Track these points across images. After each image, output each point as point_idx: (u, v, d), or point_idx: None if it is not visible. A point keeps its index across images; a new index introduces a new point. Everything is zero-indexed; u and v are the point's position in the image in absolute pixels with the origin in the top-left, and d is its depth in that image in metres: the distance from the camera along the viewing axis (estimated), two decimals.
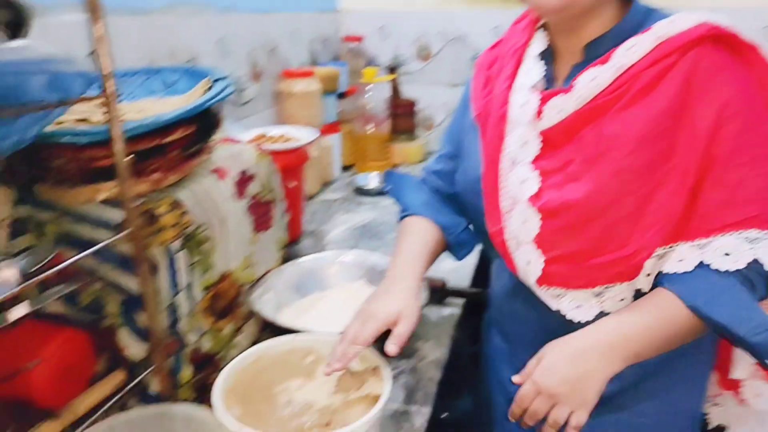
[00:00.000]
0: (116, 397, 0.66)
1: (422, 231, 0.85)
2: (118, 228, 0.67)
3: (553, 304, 0.69)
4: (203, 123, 0.79)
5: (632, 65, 0.62)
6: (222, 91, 0.78)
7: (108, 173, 0.66)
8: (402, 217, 0.89)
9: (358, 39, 1.87)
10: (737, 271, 0.60)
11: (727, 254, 0.60)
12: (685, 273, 0.62)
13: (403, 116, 1.82)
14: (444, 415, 0.94)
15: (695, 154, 0.61)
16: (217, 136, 0.97)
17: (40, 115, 0.60)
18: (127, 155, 0.69)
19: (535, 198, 0.67)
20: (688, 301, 0.61)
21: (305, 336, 0.76)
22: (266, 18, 1.48)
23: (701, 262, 0.61)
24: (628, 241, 0.63)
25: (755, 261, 0.59)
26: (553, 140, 0.68)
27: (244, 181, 0.89)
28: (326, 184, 1.59)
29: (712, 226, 0.61)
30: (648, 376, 0.72)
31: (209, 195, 0.79)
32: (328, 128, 1.60)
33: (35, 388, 0.64)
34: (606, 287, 0.66)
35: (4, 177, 0.75)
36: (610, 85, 0.63)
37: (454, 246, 0.87)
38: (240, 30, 1.35)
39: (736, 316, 0.60)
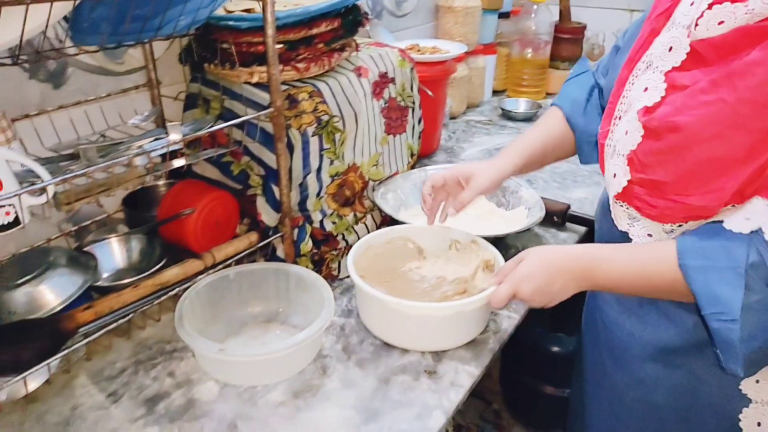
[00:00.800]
0: (247, 251, 0.77)
1: (549, 128, 0.83)
2: (266, 108, 0.76)
3: (624, 225, 0.65)
4: (348, 19, 0.84)
5: None
6: None
7: (262, 58, 0.74)
8: (552, 104, 0.87)
9: None
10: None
11: None
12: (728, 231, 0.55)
13: (568, 42, 1.69)
14: None
15: None
16: (366, 39, 1.02)
17: None
18: (279, 43, 0.77)
19: (645, 111, 0.60)
20: (682, 258, 0.56)
21: (399, 227, 0.83)
22: None
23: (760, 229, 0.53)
24: (715, 185, 0.55)
25: None
26: (701, 56, 0.58)
27: (383, 83, 0.93)
28: (474, 106, 1.58)
29: None
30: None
31: (347, 90, 0.85)
32: (484, 49, 1.56)
33: (188, 233, 0.78)
34: (679, 225, 0.60)
35: (182, 56, 0.88)
36: None
37: (581, 149, 0.84)
38: None
39: (712, 293, 0.54)
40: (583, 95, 0.84)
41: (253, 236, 0.81)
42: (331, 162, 0.84)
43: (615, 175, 0.64)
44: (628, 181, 0.62)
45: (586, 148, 0.81)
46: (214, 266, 0.75)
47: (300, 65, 0.80)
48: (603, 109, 0.82)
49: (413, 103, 1.02)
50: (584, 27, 1.69)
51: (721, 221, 0.56)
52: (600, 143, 0.69)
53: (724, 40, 0.55)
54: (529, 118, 1.48)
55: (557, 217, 0.95)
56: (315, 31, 0.79)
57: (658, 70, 0.61)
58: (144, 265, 0.77)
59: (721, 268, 0.55)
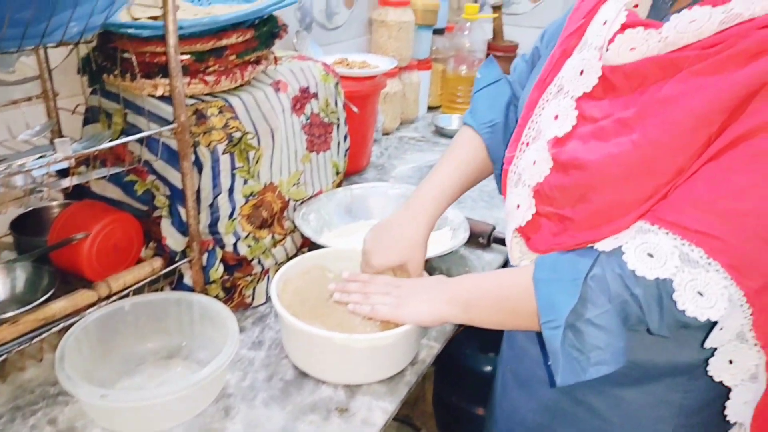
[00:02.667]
0: (149, 279, 0.71)
1: (469, 156, 0.78)
2: (169, 123, 0.70)
3: (516, 258, 0.63)
4: (263, 30, 0.79)
5: (750, 19, 0.47)
6: (281, 2, 0.77)
7: (167, 70, 0.69)
8: (466, 122, 0.81)
9: None
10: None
11: (650, 255, 0.50)
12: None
13: (501, 59, 1.70)
14: None
15: (724, 138, 0.48)
16: (288, 53, 0.98)
17: (102, 3, 0.63)
18: (185, 54, 0.72)
19: (556, 142, 0.57)
20: (536, 272, 0.56)
21: (314, 253, 0.78)
22: None
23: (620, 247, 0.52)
24: (616, 224, 0.53)
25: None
26: (612, 82, 0.55)
27: (304, 98, 0.89)
28: (408, 122, 1.56)
29: (668, 217, 0.50)
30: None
31: (263, 105, 0.80)
32: (419, 64, 1.55)
33: (82, 260, 0.70)
34: None
35: (81, 66, 0.81)
36: (710, 36, 0.48)
37: (500, 182, 0.79)
38: None
39: (550, 302, 0.53)
40: (501, 116, 0.79)
41: (157, 262, 0.74)
42: (245, 181, 0.79)
43: (518, 207, 0.61)
44: (533, 215, 0.59)
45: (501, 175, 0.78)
46: (109, 297, 0.68)
47: (209, 78, 0.74)
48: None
49: (338, 119, 0.98)
50: (516, 45, 1.72)
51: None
52: (504, 168, 0.66)
53: (635, 69, 0.53)
54: None
55: (482, 239, 0.93)
56: (225, 41, 0.74)
57: (568, 96, 0.58)
58: (29, 297, 0.69)
59: (564, 280, 0.54)
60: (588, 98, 0.57)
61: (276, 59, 0.88)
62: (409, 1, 1.45)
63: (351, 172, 1.17)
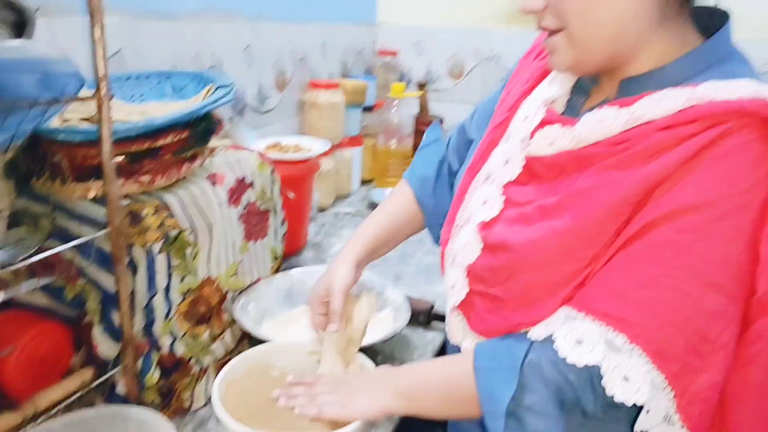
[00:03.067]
0: (78, 394, 0.67)
1: (397, 211, 0.85)
2: (104, 226, 0.69)
3: (457, 337, 0.66)
4: (199, 128, 0.80)
5: (650, 121, 0.52)
6: (219, 99, 0.79)
7: (99, 172, 0.68)
8: (404, 176, 0.89)
9: (393, 53, 1.88)
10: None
11: (578, 342, 0.53)
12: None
13: None
14: None
15: (634, 225, 0.52)
16: (224, 143, 0.99)
17: (34, 112, 0.62)
18: (119, 156, 0.72)
19: (484, 225, 0.62)
20: (476, 360, 0.58)
21: (255, 350, 0.76)
22: (298, 27, 1.50)
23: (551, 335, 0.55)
24: (542, 305, 0.57)
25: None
26: (534, 171, 0.61)
27: (240, 188, 0.90)
28: (342, 197, 1.59)
29: (593, 305, 0.54)
30: None
31: (199, 200, 0.80)
32: (350, 141, 1.60)
33: (6, 376, 0.66)
34: None
35: (6, 170, 0.78)
36: (617, 134, 0.54)
37: (432, 230, 0.86)
38: (269, 38, 1.38)
39: (490, 392, 0.56)
40: (433, 171, 0.86)
41: (88, 373, 0.70)
42: (182, 279, 0.77)
43: (454, 287, 0.65)
44: (467, 294, 0.63)
45: (436, 230, 0.82)
46: (36, 418, 0.64)
47: (144, 178, 0.74)
48: (451, 183, 0.85)
49: (274, 205, 0.99)
50: (441, 120, 1.81)
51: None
52: (441, 250, 0.70)
53: (553, 161, 0.59)
54: None
55: (422, 317, 0.95)
56: (161, 142, 0.74)
57: (495, 183, 0.64)
58: None
59: (502, 368, 0.56)
60: (513, 185, 0.63)
61: (211, 151, 0.88)
62: (338, 83, 1.52)
63: (288, 253, 1.17)
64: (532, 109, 0.64)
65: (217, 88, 0.83)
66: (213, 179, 0.85)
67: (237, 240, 0.89)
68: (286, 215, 1.03)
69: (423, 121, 1.78)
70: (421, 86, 1.79)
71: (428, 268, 1.17)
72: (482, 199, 0.64)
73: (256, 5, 1.33)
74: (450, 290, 0.66)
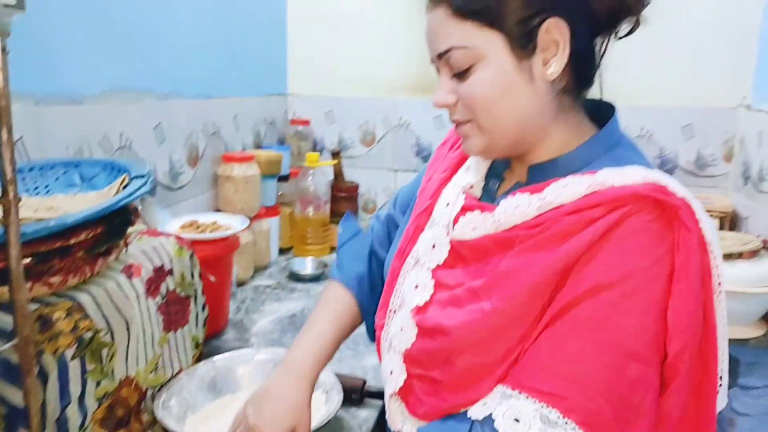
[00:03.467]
0: None
1: (341, 310, 0.83)
2: (9, 336, 0.64)
3: (397, 424, 0.67)
4: (114, 222, 0.78)
5: (559, 206, 0.58)
6: (136, 190, 0.77)
7: (3, 275, 0.64)
8: (334, 277, 0.87)
9: (305, 122, 1.92)
10: None
11: (516, 420, 0.55)
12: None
13: (345, 199, 1.84)
14: None
15: (554, 306, 0.56)
16: (137, 228, 0.96)
17: None
18: (28, 256, 0.67)
19: (418, 310, 0.65)
20: None
21: None
22: (209, 103, 1.50)
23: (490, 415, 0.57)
24: (480, 385, 0.59)
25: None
26: (460, 254, 0.65)
27: (158, 278, 0.87)
28: (261, 268, 1.57)
29: (526, 382, 0.56)
30: None
31: (115, 296, 0.77)
32: (267, 211, 1.60)
33: None
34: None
35: None
36: (532, 219, 0.59)
37: (370, 331, 0.86)
38: (180, 115, 1.36)
39: None
40: (365, 268, 0.87)
41: None
42: (98, 383, 0.73)
43: (392, 372, 0.66)
44: (405, 380, 0.64)
45: (373, 327, 0.83)
46: None
47: (54, 279, 0.70)
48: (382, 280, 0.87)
49: (195, 290, 0.96)
50: (357, 186, 1.86)
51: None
52: (376, 335, 0.72)
53: (477, 244, 0.63)
54: (317, 278, 1.52)
55: (355, 394, 0.95)
56: (74, 241, 0.71)
57: (425, 267, 0.67)
58: None
59: None
60: (442, 268, 0.66)
61: (126, 242, 0.85)
62: (252, 156, 1.53)
63: (208, 335, 1.13)
64: (452, 196, 0.68)
65: (132, 178, 0.81)
66: (129, 271, 0.82)
67: (156, 333, 0.85)
68: (206, 299, 1.00)
69: (339, 188, 1.82)
70: (335, 154, 1.84)
71: (355, 340, 1.16)
72: (414, 284, 0.67)
73: (166, 83, 1.32)
74: (388, 376, 0.67)
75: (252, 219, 1.50)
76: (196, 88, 1.44)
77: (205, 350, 1.02)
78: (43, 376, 0.67)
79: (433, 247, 0.68)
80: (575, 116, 0.65)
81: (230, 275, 1.23)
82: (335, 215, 1.81)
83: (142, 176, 0.81)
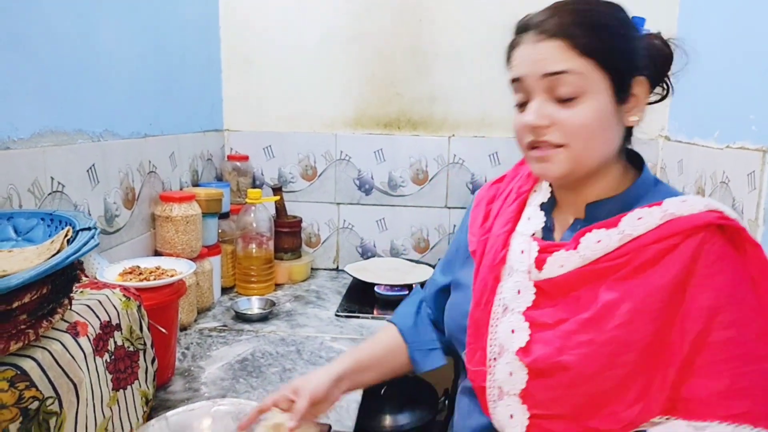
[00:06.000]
0: None
1: (381, 337, 0.94)
2: None
3: None
4: (60, 279, 0.73)
5: (639, 236, 0.65)
6: (85, 244, 0.73)
7: None
8: (388, 320, 0.99)
9: (244, 158, 1.88)
10: None
11: None
12: None
13: (288, 234, 1.82)
14: None
15: (687, 336, 0.62)
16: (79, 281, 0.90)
17: None
18: None
19: (523, 352, 0.68)
20: None
21: None
22: (144, 142, 1.44)
23: None
24: (607, 411, 0.63)
25: None
26: (547, 293, 0.70)
27: (106, 334, 0.82)
28: (205, 310, 1.51)
29: (711, 412, 0.62)
30: None
31: (62, 359, 0.71)
32: (209, 251, 1.55)
33: None
34: None
35: None
36: (615, 250, 0.66)
37: (419, 359, 0.92)
38: (114, 156, 1.30)
39: None
40: (413, 308, 0.98)
41: None
42: None
43: (512, 416, 0.68)
44: (529, 418, 0.67)
45: (418, 355, 0.91)
46: None
47: None
48: (430, 320, 0.97)
49: (144, 344, 0.91)
50: (300, 220, 1.85)
51: None
52: (478, 386, 0.74)
53: (564, 279, 0.69)
54: (264, 318, 1.48)
55: None
56: (16, 304, 0.65)
57: (515, 312, 0.72)
58: None
59: None
60: (532, 309, 0.71)
61: (70, 300, 0.80)
62: (193, 195, 1.48)
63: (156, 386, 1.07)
64: (523, 244, 0.75)
65: (77, 231, 0.76)
66: (74, 330, 0.76)
67: (105, 394, 0.80)
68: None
69: (282, 223, 1.80)
70: (276, 190, 1.82)
71: None
72: (509, 329, 0.71)
73: (99, 124, 1.26)
74: (508, 421, 0.69)
75: (194, 259, 1.44)
76: (131, 127, 1.38)
77: (156, 406, 0.97)
78: None
79: (519, 292, 0.72)
80: (622, 158, 0.75)
81: (176, 322, 1.17)
82: (279, 251, 1.79)
83: (88, 229, 0.77)
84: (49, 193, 1.09)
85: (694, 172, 1.47)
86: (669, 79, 0.74)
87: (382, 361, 0.91)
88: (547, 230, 0.77)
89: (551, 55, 0.67)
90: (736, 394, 0.61)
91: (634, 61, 0.69)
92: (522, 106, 0.72)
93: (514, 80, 0.72)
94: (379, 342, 0.94)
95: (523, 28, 0.71)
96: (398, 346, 0.93)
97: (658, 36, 0.74)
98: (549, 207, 0.78)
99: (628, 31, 0.70)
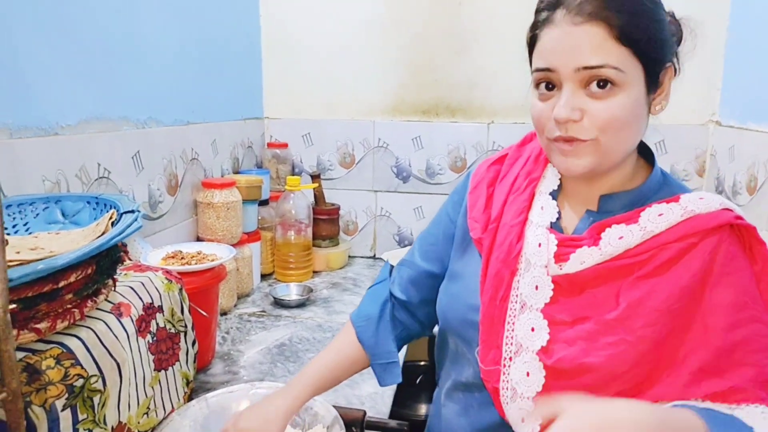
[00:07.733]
0: None
1: (342, 351, 0.87)
2: None
3: None
4: (104, 261, 0.74)
5: (660, 233, 0.64)
6: (128, 227, 0.74)
7: None
8: (350, 317, 0.92)
9: (283, 146, 1.90)
10: None
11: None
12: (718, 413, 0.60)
13: (326, 222, 1.82)
14: None
15: (710, 332, 0.61)
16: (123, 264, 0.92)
17: None
18: (14, 303, 0.64)
19: (544, 352, 0.66)
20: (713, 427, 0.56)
21: None
22: (187, 129, 1.47)
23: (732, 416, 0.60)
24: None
25: None
26: (565, 288, 0.67)
27: (149, 315, 0.84)
28: (244, 295, 1.54)
29: (744, 398, 0.60)
30: None
31: (106, 339, 0.73)
32: (249, 237, 1.57)
33: None
34: None
35: None
36: (635, 246, 0.64)
37: (378, 373, 0.88)
38: (157, 143, 1.33)
39: None
40: (376, 311, 0.88)
41: None
42: (91, 431, 0.69)
43: (523, 420, 0.66)
44: (541, 424, 0.64)
45: (378, 370, 0.86)
46: None
47: (42, 325, 0.66)
48: (397, 321, 0.89)
49: (185, 326, 0.93)
50: (338, 208, 1.85)
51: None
52: (492, 387, 0.70)
53: (583, 275, 0.67)
54: (302, 304, 1.49)
55: (355, 428, 0.92)
56: (63, 283, 0.67)
57: (534, 309, 0.69)
58: None
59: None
60: (549, 305, 0.68)
61: (114, 281, 0.82)
62: (234, 181, 1.50)
63: (197, 369, 1.09)
64: (540, 237, 0.70)
65: (122, 214, 0.78)
66: (118, 311, 0.78)
67: (147, 374, 0.82)
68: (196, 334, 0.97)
69: (320, 211, 1.81)
70: (315, 177, 1.82)
71: None
72: (528, 327, 0.68)
73: (143, 111, 1.29)
74: (519, 424, 0.67)
75: (234, 245, 1.47)
76: (174, 115, 1.41)
77: (197, 387, 0.99)
78: (32, 430, 0.63)
79: (536, 288, 0.69)
80: (636, 148, 0.71)
81: (217, 306, 1.19)
82: (317, 238, 1.79)
83: (131, 212, 0.78)
84: (96, 179, 1.12)
85: (746, 159, 1.39)
86: (678, 61, 0.69)
87: (343, 374, 0.86)
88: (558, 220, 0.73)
89: (589, 43, 0.61)
90: (763, 385, 0.61)
91: (666, 49, 0.65)
92: (545, 90, 0.66)
93: (542, 68, 0.65)
94: (340, 354, 0.86)
95: (554, 4, 0.63)
96: (360, 358, 0.87)
97: (672, 15, 0.68)
98: (555, 194, 0.74)
99: (663, 16, 0.65)
